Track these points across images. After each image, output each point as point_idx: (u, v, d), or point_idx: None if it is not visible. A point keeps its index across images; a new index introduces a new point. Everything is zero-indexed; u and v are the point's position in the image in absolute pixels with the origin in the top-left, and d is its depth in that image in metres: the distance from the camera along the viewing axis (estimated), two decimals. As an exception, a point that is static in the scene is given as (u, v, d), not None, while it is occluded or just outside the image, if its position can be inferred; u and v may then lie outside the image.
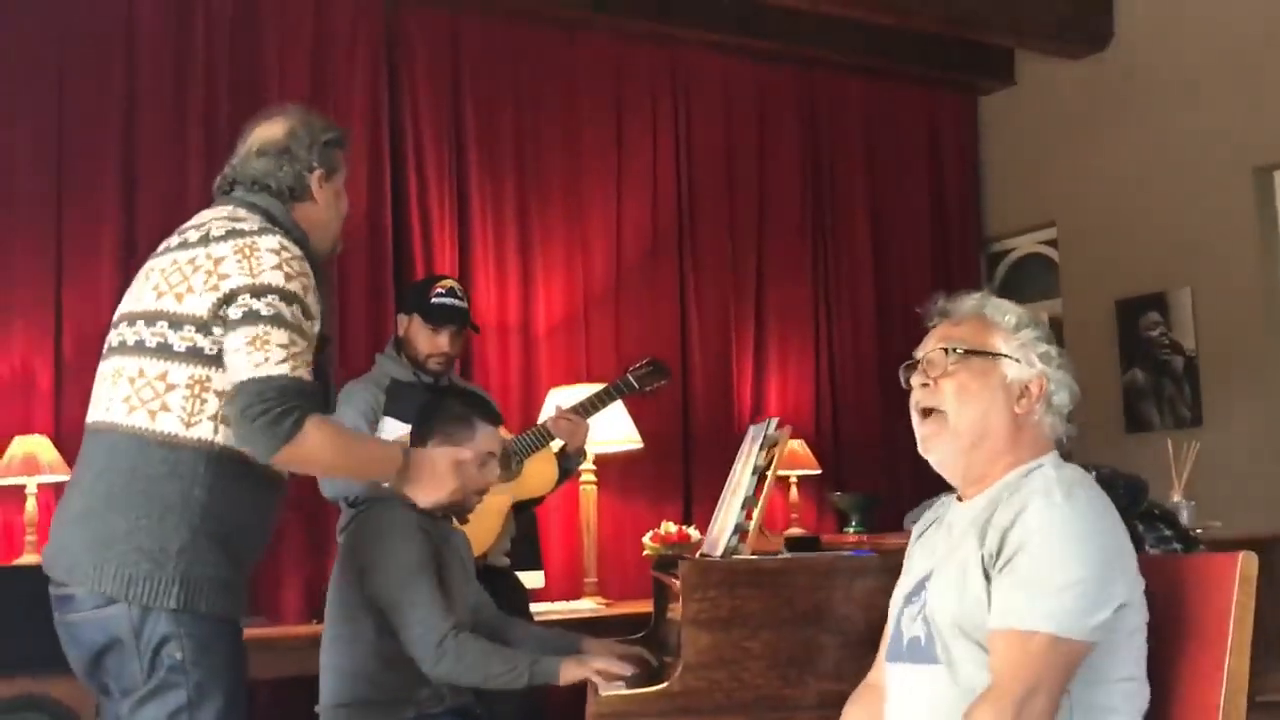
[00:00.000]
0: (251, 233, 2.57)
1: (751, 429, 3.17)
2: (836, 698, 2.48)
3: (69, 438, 4.70)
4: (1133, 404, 6.45)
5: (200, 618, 2.47)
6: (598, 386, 5.41)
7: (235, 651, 2.55)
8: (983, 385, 2.26)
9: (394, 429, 3.71)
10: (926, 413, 2.31)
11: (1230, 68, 6.08)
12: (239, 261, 2.51)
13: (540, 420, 4.36)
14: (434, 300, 3.98)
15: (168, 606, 2.43)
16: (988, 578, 2.12)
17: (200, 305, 2.51)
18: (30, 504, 4.58)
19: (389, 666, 3.03)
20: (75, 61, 5.08)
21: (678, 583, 2.79)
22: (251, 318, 2.47)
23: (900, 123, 7.07)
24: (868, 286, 6.81)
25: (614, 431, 5.43)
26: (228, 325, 2.49)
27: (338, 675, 3.11)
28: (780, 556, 2.79)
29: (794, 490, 6.23)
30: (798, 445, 6.25)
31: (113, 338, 2.64)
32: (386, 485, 3.07)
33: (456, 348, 4.05)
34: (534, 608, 4.90)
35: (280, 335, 2.47)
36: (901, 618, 2.29)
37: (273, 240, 2.56)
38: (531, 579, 5.11)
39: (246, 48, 5.40)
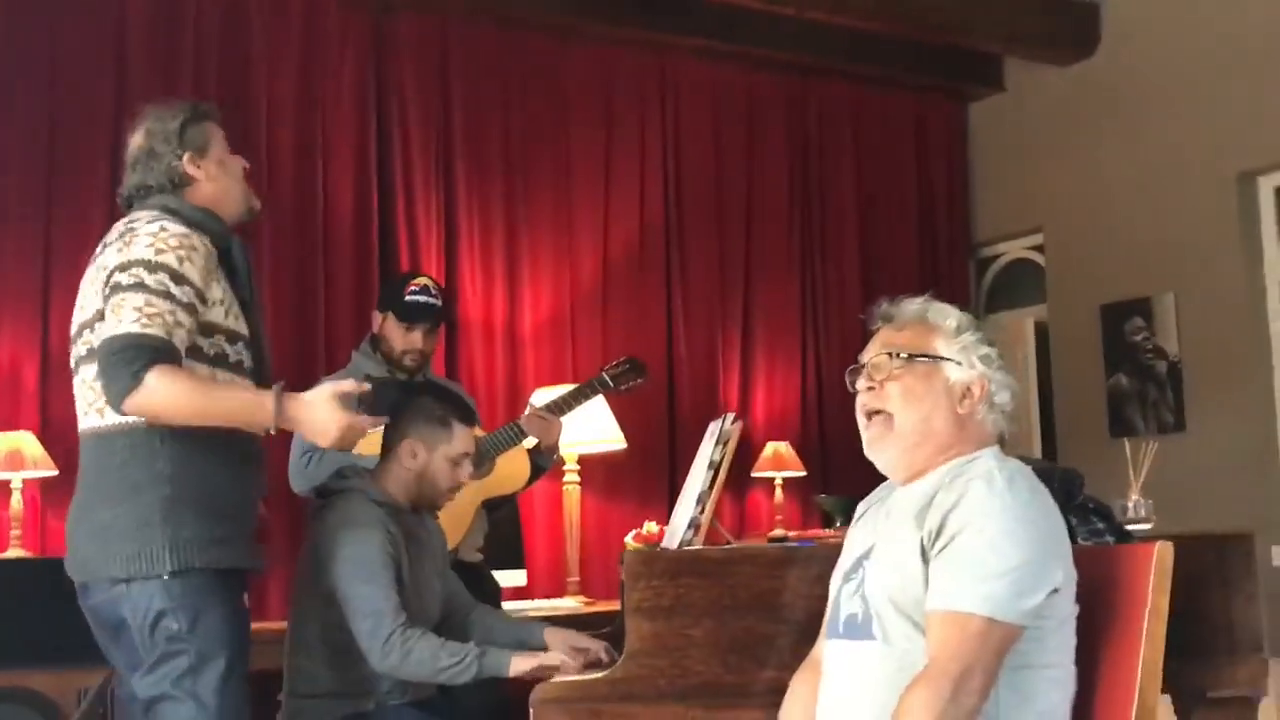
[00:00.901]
0: (137, 225, 2.70)
1: (710, 425, 3.22)
2: (778, 685, 2.53)
3: (55, 434, 4.77)
4: (1116, 408, 6.49)
5: (194, 581, 2.61)
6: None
7: (231, 610, 2.69)
8: (927, 388, 2.33)
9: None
10: (870, 416, 2.38)
11: (1215, 74, 6.12)
12: (118, 251, 2.67)
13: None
14: (408, 298, 4.03)
15: (166, 570, 2.59)
16: (925, 559, 2.19)
17: (99, 300, 2.67)
18: (15, 499, 4.64)
19: (349, 657, 3.06)
20: (66, 62, 5.15)
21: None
22: (114, 289, 2.62)
23: (889, 128, 7.11)
24: (855, 291, 6.84)
25: (598, 431, 5.47)
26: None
27: (300, 665, 3.16)
28: (723, 547, 2.84)
29: (779, 492, 6.28)
30: (783, 448, 6.30)
31: (71, 360, 2.81)
32: (349, 476, 3.23)
33: (431, 345, 4.09)
34: (516, 605, 4.96)
35: (135, 299, 2.59)
36: (840, 595, 2.36)
37: (153, 226, 2.69)
38: (513, 577, 5.15)
39: (235, 52, 5.47)
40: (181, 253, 2.65)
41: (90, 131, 5.14)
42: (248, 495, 2.81)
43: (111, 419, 2.65)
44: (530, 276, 6.04)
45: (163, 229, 2.67)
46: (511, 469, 4.12)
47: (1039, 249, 7.09)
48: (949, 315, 2.41)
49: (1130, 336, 6.46)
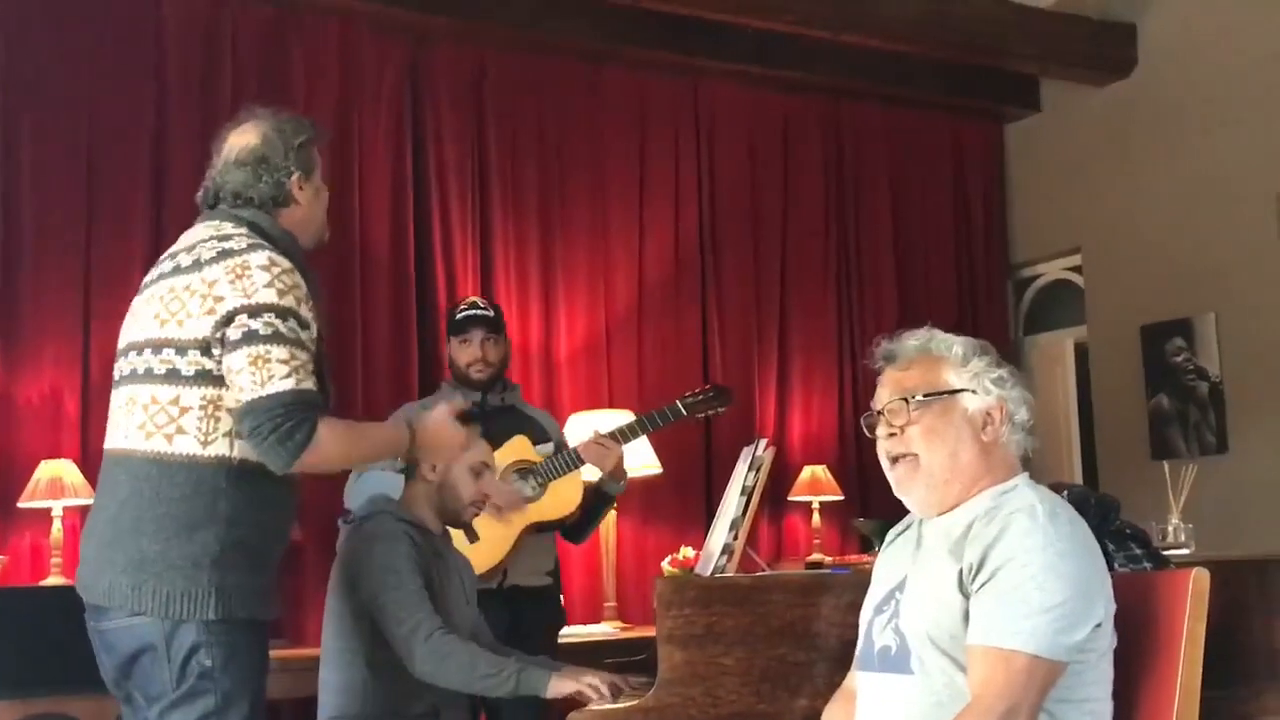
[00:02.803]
0: (241, 251, 2.62)
1: (744, 450, 3.20)
2: (812, 713, 2.51)
3: (95, 462, 4.72)
4: (1157, 430, 6.43)
5: (233, 625, 2.56)
6: (617, 413, 5.46)
7: (261, 655, 2.66)
8: (947, 424, 2.31)
9: None
10: (894, 460, 2.35)
11: (1254, 93, 6.08)
12: (231, 283, 2.57)
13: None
14: (458, 315, 4.21)
15: (207, 618, 2.52)
16: (964, 592, 2.16)
17: (201, 328, 2.57)
18: (56, 527, 4.67)
19: (381, 679, 3.07)
20: (105, 94, 5.20)
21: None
22: (250, 338, 2.54)
23: (925, 150, 7.10)
24: (892, 312, 6.79)
25: (634, 457, 5.45)
26: (226, 346, 2.55)
27: (331, 689, 3.15)
28: (754, 574, 2.83)
29: (816, 516, 6.25)
30: (821, 471, 6.28)
31: (122, 366, 2.70)
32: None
33: (493, 353, 4.16)
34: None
35: (280, 351, 2.54)
36: (872, 627, 2.34)
37: (261, 257, 2.61)
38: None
39: (273, 78, 5.50)
40: (299, 293, 2.61)
41: (128, 165, 5.20)
42: (286, 535, 2.78)
43: (182, 448, 2.56)
44: (566, 301, 6.06)
45: (273, 263, 2.60)
46: (561, 496, 4.09)
47: (1078, 270, 7.04)
48: (953, 344, 2.37)
49: (1171, 357, 6.40)
